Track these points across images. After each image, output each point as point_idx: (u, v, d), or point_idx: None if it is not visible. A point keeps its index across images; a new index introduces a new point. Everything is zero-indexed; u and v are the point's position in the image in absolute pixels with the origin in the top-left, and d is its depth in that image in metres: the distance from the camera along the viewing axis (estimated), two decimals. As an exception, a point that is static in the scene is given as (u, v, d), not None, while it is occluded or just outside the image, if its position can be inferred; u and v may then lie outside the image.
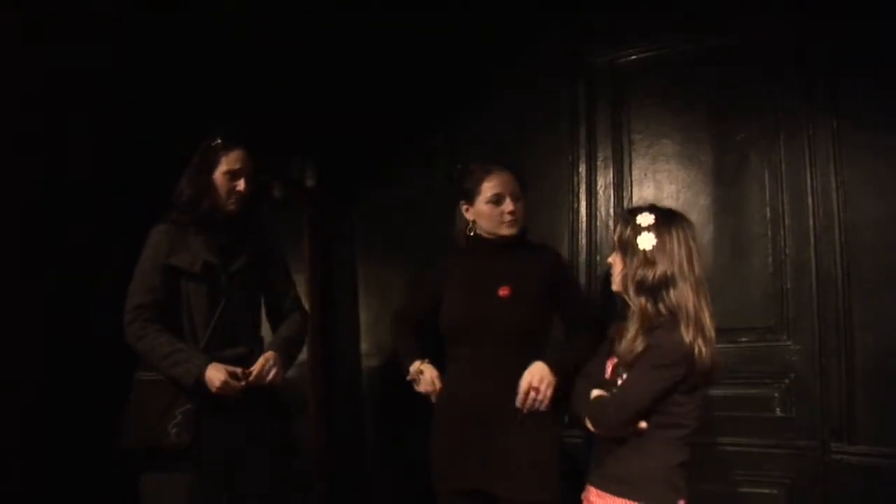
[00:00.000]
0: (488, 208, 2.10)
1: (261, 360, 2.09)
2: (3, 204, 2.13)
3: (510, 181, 2.11)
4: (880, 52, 2.35)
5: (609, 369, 1.84)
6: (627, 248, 1.77)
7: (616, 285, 1.82)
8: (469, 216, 2.16)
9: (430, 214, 2.76)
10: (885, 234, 2.31)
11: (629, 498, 1.71)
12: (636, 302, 1.75)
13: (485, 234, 2.15)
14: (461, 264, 2.20)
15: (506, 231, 2.11)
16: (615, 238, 1.84)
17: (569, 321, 2.22)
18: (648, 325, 1.72)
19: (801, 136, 2.46)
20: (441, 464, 2.10)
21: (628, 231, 1.77)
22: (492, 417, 2.02)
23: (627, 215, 1.83)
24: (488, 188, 2.10)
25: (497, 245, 2.14)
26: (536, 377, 1.99)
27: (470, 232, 2.16)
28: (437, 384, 2.13)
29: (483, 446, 2.01)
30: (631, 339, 1.72)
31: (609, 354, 1.86)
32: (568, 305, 2.20)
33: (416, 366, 2.16)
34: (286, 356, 2.18)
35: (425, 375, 2.14)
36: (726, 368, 2.43)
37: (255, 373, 2.06)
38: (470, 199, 2.14)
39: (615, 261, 1.82)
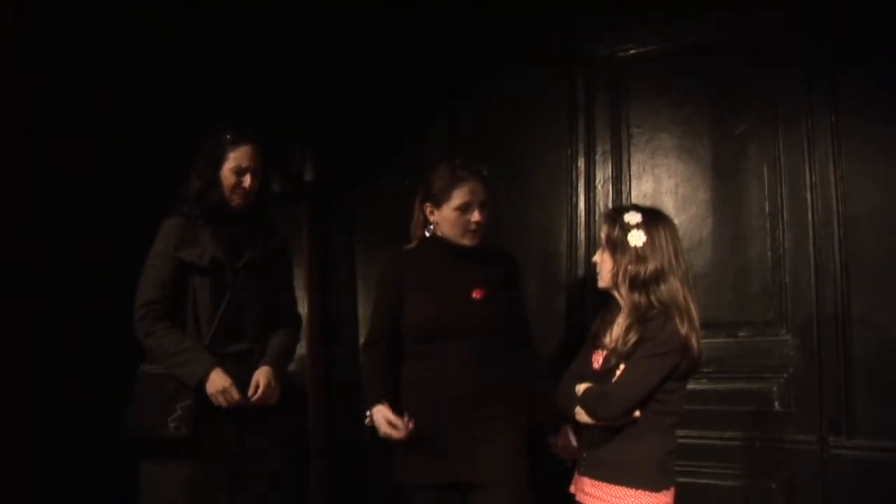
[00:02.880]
0: (455, 216, 2.06)
1: (256, 381, 2.09)
2: (3, 195, 2.14)
3: (480, 190, 2.07)
4: (880, 47, 2.34)
5: (598, 361, 1.87)
6: (617, 245, 1.81)
7: (604, 282, 1.87)
8: (432, 218, 2.12)
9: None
10: (883, 227, 2.30)
11: (626, 485, 1.73)
12: (629, 297, 1.80)
13: (445, 238, 2.12)
14: (419, 265, 2.14)
15: (467, 241, 2.09)
16: (602, 237, 1.88)
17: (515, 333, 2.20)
18: (641, 318, 1.76)
19: (800, 129, 2.44)
20: (410, 457, 2.05)
21: (616, 230, 1.82)
22: (468, 411, 2.02)
23: (614, 214, 1.88)
24: (458, 196, 2.04)
25: (459, 249, 2.11)
26: None
27: (428, 233, 2.14)
28: (397, 424, 1.99)
29: (459, 440, 2.01)
30: (624, 331, 1.78)
31: (594, 347, 1.91)
32: (517, 317, 2.21)
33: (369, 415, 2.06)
34: (281, 371, 2.19)
35: (377, 417, 2.02)
36: (725, 362, 2.48)
37: (258, 395, 2.07)
38: (437, 202, 2.09)
39: (602, 259, 1.87)
